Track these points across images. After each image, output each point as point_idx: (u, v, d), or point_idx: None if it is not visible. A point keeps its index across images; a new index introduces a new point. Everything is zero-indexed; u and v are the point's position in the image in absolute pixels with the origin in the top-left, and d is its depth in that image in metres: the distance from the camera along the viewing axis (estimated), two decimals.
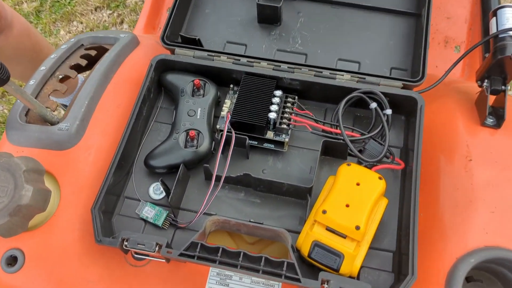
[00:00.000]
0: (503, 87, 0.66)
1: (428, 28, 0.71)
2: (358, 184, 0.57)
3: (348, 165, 0.59)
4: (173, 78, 0.71)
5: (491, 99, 0.67)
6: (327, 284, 0.52)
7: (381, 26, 0.79)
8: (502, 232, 0.56)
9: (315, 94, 0.70)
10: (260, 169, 0.67)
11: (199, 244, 0.54)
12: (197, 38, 0.74)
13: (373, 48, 0.77)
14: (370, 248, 0.59)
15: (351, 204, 0.56)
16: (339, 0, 0.81)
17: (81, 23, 1.70)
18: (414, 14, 0.78)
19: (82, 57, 0.76)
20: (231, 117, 0.65)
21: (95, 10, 1.71)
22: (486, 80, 0.66)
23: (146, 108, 0.69)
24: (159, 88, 0.73)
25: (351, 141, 0.65)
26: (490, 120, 0.66)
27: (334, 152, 0.66)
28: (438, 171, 0.63)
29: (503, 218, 0.57)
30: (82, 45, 0.79)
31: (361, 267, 0.58)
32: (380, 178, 0.58)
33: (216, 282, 0.60)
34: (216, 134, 0.68)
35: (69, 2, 1.72)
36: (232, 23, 0.81)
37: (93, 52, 0.77)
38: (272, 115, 0.65)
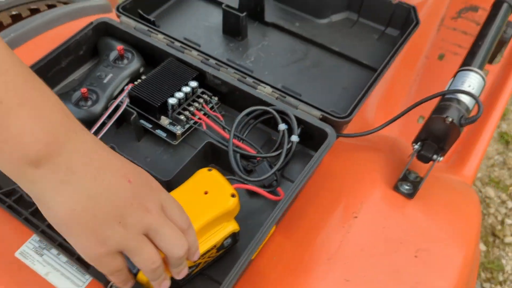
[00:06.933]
0: (434, 156, 0.55)
1: (377, 78, 0.63)
2: (206, 193, 0.48)
3: (209, 170, 0.50)
4: (107, 43, 0.69)
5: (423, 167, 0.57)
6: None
7: (340, 71, 0.72)
8: None
9: (237, 102, 0.64)
10: (145, 155, 0.60)
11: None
12: (152, 19, 0.72)
13: (322, 87, 0.70)
14: (200, 273, 0.49)
15: (187, 211, 0.46)
16: (311, 39, 0.76)
17: None
18: (375, 69, 0.72)
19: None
20: (130, 89, 0.60)
21: None
22: (420, 143, 0.57)
23: (67, 62, 0.67)
24: (94, 53, 0.71)
25: (245, 157, 0.57)
26: (405, 187, 0.55)
27: (221, 161, 0.58)
28: (320, 219, 0.53)
29: None
30: None
31: None
32: (233, 196, 0.48)
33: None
34: None
35: None
36: (198, 25, 0.79)
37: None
38: (172, 100, 0.59)
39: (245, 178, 0.53)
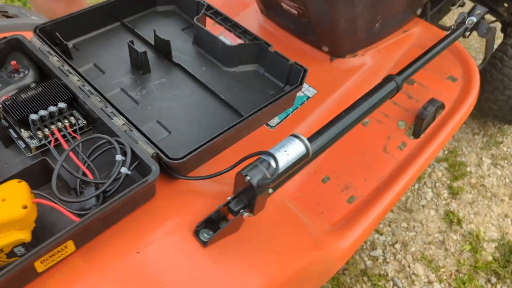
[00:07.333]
0: (241, 211, 0.58)
1: (225, 132, 0.66)
2: (3, 200, 0.53)
3: (19, 181, 0.55)
4: (13, 57, 0.77)
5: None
6: None
7: (218, 118, 0.77)
8: None
9: (103, 130, 0.69)
10: (4, 161, 0.66)
11: None
12: (65, 43, 0.80)
13: (195, 130, 0.74)
14: None
15: None
16: (205, 84, 0.81)
17: None
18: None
19: None
20: (3, 100, 0.67)
21: None
22: (234, 195, 0.59)
23: None
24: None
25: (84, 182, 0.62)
26: (205, 235, 0.58)
27: (59, 179, 0.63)
28: (115, 247, 0.56)
29: None
30: (6, 12, 0.91)
31: None
32: (24, 207, 0.52)
33: None
34: None
35: None
36: (114, 55, 0.86)
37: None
38: (34, 116, 0.65)
39: (57, 195, 0.58)
